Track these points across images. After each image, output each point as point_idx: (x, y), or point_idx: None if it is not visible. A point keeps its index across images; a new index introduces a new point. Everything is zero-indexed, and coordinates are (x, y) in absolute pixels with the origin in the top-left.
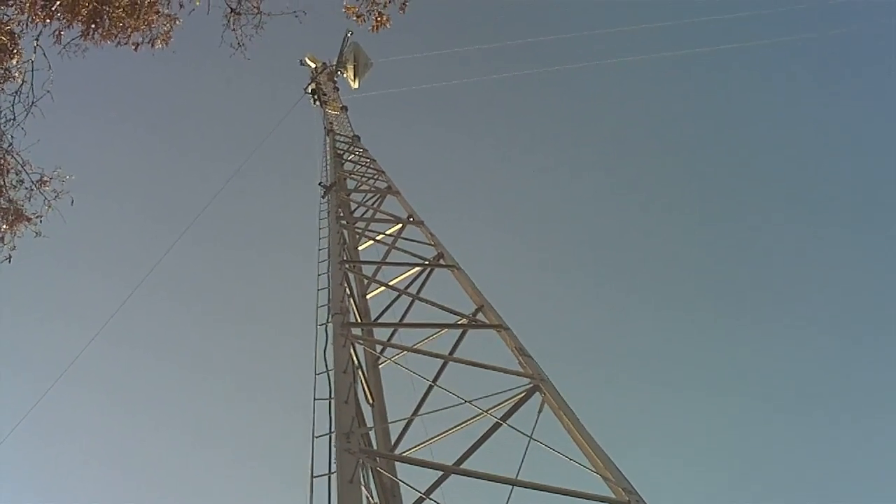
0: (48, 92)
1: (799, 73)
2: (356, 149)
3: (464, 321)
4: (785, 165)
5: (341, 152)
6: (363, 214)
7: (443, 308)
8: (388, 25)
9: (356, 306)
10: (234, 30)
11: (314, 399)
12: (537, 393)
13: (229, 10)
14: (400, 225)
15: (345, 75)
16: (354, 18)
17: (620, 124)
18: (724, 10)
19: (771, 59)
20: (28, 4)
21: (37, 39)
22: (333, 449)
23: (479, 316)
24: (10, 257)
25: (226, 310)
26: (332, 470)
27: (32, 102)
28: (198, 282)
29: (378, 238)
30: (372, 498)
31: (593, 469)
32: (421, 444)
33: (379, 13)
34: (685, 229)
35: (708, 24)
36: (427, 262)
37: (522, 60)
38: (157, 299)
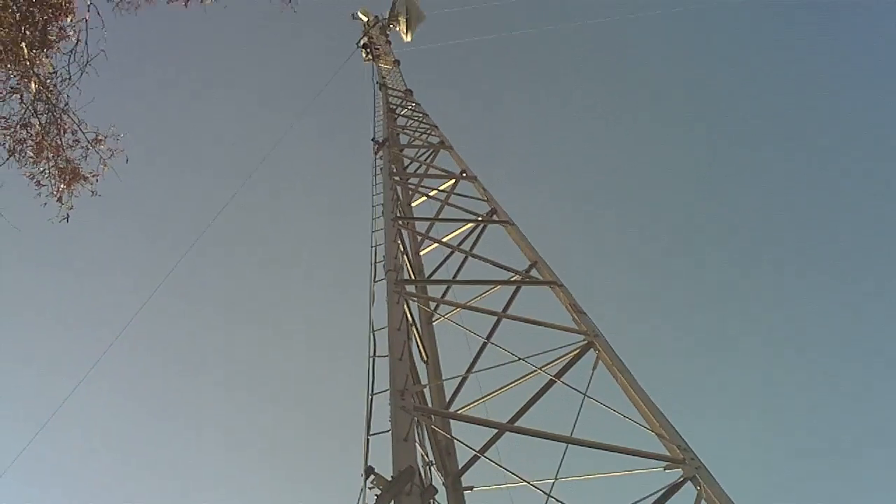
0: (102, 51)
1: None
2: (409, 103)
3: (517, 278)
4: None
5: (394, 107)
6: (416, 170)
7: (496, 265)
8: None
9: (409, 263)
10: None
11: (370, 356)
12: (591, 350)
13: None
14: (453, 180)
15: (397, 29)
16: None
17: (681, 80)
18: None
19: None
20: None
21: None
22: (388, 407)
23: (533, 272)
24: (67, 217)
25: (283, 263)
26: (388, 428)
27: (87, 61)
28: (253, 234)
29: (431, 194)
30: (427, 456)
31: (648, 427)
32: (475, 401)
33: None
34: (754, 188)
35: None
36: (480, 219)
37: (578, 12)
38: (213, 256)
